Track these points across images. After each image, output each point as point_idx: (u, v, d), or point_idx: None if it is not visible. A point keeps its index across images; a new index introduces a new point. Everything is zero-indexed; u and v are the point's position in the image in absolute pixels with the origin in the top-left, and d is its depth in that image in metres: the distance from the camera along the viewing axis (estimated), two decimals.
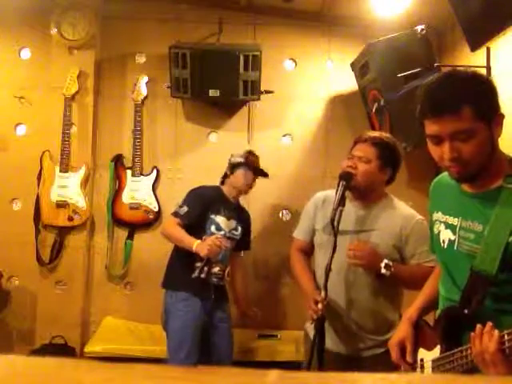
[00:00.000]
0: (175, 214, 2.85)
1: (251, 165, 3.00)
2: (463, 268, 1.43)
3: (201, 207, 2.87)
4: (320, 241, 2.27)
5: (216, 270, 2.87)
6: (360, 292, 2.17)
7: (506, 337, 1.26)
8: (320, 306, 2.03)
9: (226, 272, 2.94)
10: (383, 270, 2.03)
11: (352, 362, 2.18)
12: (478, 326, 1.32)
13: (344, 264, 2.16)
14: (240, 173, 2.98)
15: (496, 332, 1.27)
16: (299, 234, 2.42)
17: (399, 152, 2.23)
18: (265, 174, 3.07)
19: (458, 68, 1.59)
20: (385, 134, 2.29)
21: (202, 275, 2.78)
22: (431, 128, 1.37)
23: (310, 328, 2.18)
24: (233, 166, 3.01)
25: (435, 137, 1.38)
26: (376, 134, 2.28)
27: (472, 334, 1.32)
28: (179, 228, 2.80)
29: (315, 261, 2.33)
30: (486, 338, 1.28)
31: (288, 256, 2.55)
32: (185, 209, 2.86)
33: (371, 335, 2.16)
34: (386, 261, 2.04)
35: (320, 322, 2.03)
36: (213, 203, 2.91)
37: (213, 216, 2.90)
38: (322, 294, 2.05)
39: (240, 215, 3.05)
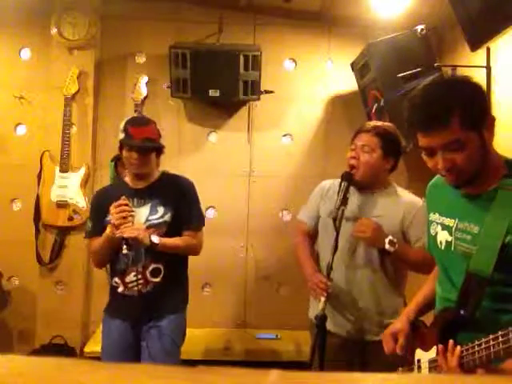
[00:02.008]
0: (85, 235, 2.49)
1: (130, 142, 2.29)
2: (460, 269, 1.44)
3: (99, 216, 2.36)
4: (323, 226, 2.30)
5: (131, 277, 2.31)
6: (364, 277, 2.20)
7: (464, 352, 1.30)
8: (328, 283, 2.05)
9: (148, 271, 2.30)
10: (387, 246, 2.05)
11: (358, 347, 2.21)
12: (440, 346, 1.38)
13: (348, 250, 2.19)
14: (125, 154, 2.31)
15: (458, 348, 1.31)
16: (304, 216, 2.45)
17: (400, 141, 2.26)
18: (147, 148, 2.31)
19: (443, 76, 1.61)
20: (386, 124, 2.31)
21: (120, 289, 2.33)
22: (422, 141, 1.39)
23: (316, 306, 2.15)
24: (119, 146, 2.36)
25: (427, 149, 1.39)
26: (378, 123, 2.29)
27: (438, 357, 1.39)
28: (93, 243, 2.39)
29: (319, 244, 2.36)
30: (449, 356, 1.33)
31: (289, 254, 2.56)
32: (88, 225, 2.45)
33: (376, 325, 2.18)
34: (390, 237, 2.07)
35: (321, 321, 2.03)
36: (107, 204, 2.31)
37: (109, 219, 2.31)
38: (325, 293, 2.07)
39: (157, 193, 2.35)
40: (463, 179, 1.40)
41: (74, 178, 3.53)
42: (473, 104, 1.35)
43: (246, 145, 3.72)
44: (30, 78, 3.67)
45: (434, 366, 1.52)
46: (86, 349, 3.26)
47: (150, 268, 2.31)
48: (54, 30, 3.50)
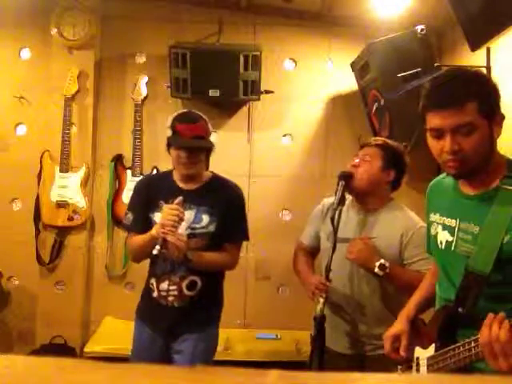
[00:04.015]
0: (125, 228, 2.35)
1: (178, 140, 2.17)
2: (460, 269, 1.44)
3: (142, 208, 2.24)
4: (324, 248, 2.28)
5: (164, 285, 2.18)
6: (364, 296, 2.17)
7: None
8: (327, 283, 2.05)
9: (185, 284, 2.16)
10: (376, 269, 2.03)
11: (355, 362, 2.19)
12: (490, 314, 1.27)
13: (346, 268, 2.17)
14: (172, 153, 2.19)
15: (507, 321, 1.24)
16: (304, 238, 2.43)
17: (404, 157, 2.24)
18: (200, 146, 2.18)
19: (464, 66, 1.64)
20: (391, 141, 2.31)
21: (154, 294, 2.21)
22: (433, 121, 1.38)
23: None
24: (167, 144, 2.23)
25: (437, 130, 1.38)
26: (382, 139, 2.33)
27: (485, 321, 1.27)
28: (134, 238, 2.25)
29: (321, 266, 2.34)
30: (495, 327, 1.24)
31: (289, 254, 2.55)
32: (129, 217, 2.27)
33: (375, 340, 2.16)
34: (382, 261, 2.04)
35: (320, 322, 2.03)
36: (151, 198, 2.22)
37: (151, 215, 2.20)
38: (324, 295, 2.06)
39: (208, 199, 2.20)
40: (465, 168, 1.39)
41: (74, 178, 3.53)
42: (490, 95, 1.38)
43: (246, 145, 3.72)
44: (30, 78, 3.67)
45: (432, 363, 1.52)
46: (86, 349, 3.25)
47: (187, 280, 2.18)
48: (54, 30, 3.50)
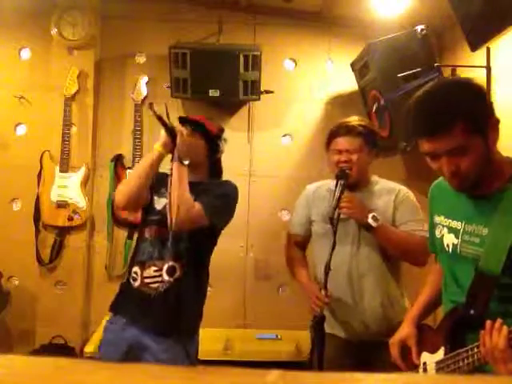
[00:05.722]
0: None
1: (183, 118, 2.29)
2: (468, 271, 1.42)
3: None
4: (320, 230, 2.30)
5: (151, 271, 2.07)
6: (366, 278, 2.20)
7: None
8: (324, 298, 2.07)
9: (165, 269, 2.05)
10: (370, 220, 2.11)
11: (361, 348, 2.20)
12: (488, 322, 1.30)
13: (347, 252, 2.20)
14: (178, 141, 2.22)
15: (505, 328, 1.26)
16: (293, 228, 2.47)
17: (376, 131, 2.40)
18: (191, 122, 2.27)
19: (444, 78, 1.60)
20: (358, 118, 2.32)
21: (136, 283, 2.09)
22: (425, 147, 1.37)
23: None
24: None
25: (431, 154, 1.38)
26: (352, 122, 2.26)
27: (482, 331, 1.30)
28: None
29: (314, 252, 2.36)
30: (495, 335, 1.27)
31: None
32: None
33: (380, 321, 2.18)
34: (374, 213, 2.12)
35: (319, 323, 2.03)
36: (157, 181, 2.22)
37: (156, 197, 2.22)
38: (323, 292, 2.06)
39: (202, 189, 2.18)
40: (468, 183, 1.39)
41: (74, 178, 3.53)
42: (476, 108, 1.34)
43: (245, 145, 3.72)
44: (30, 78, 3.66)
45: (442, 366, 1.50)
46: (86, 349, 3.25)
47: (167, 265, 2.05)
48: (54, 30, 3.50)
